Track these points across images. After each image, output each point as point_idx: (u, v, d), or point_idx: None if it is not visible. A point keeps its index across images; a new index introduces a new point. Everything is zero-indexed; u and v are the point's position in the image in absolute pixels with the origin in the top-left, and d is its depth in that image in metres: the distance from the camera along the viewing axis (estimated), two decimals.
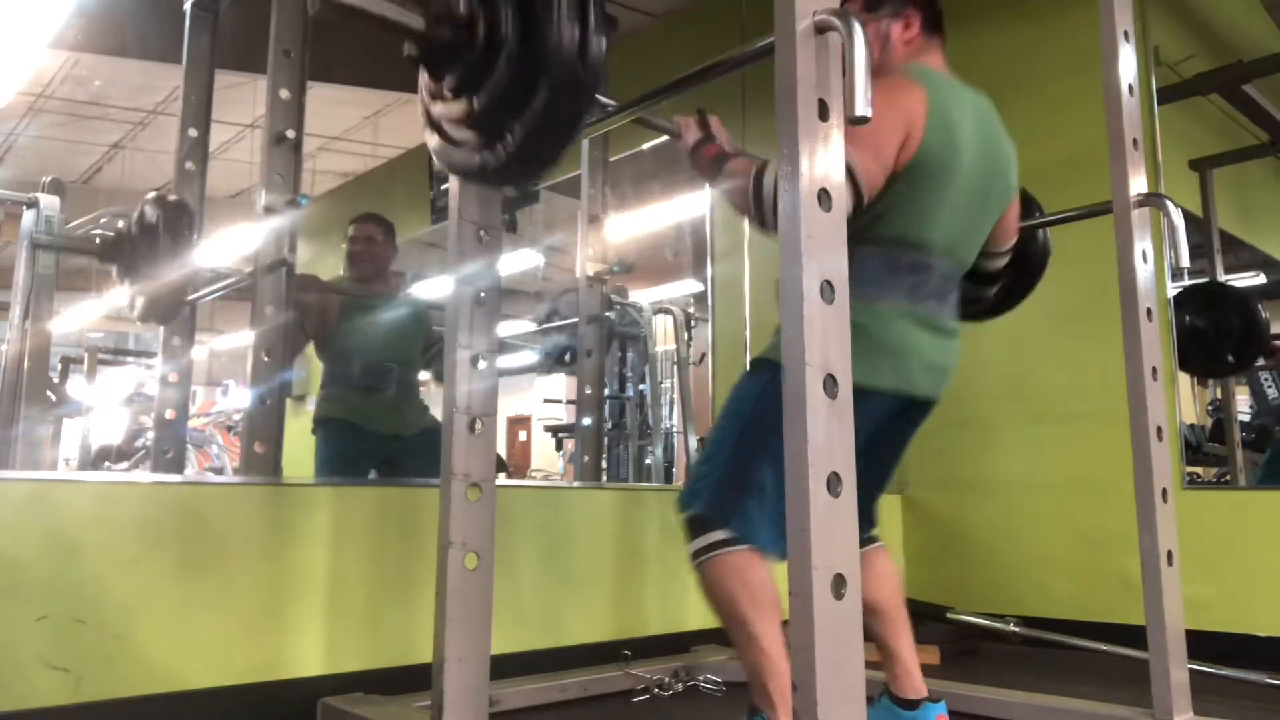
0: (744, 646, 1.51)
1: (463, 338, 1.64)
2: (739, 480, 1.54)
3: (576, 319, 3.47)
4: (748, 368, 1.68)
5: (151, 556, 1.83)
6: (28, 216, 3.13)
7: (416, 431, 3.38)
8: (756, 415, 1.55)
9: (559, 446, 6.59)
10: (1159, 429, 1.81)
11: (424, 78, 1.43)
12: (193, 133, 2.91)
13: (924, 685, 1.74)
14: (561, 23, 1.21)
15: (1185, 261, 1.84)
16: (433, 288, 4.12)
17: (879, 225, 1.57)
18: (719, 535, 1.52)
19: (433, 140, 1.46)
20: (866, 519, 1.82)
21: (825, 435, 1.07)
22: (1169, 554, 1.77)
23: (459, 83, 1.33)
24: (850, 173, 1.43)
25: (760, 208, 1.49)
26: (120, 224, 2.98)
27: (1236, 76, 3.50)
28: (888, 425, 1.66)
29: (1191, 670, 1.81)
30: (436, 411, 3.31)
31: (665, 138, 1.89)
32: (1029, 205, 2.31)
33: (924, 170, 1.56)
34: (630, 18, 4.23)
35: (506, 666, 2.03)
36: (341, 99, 5.87)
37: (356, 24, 1.28)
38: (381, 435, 3.31)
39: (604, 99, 1.68)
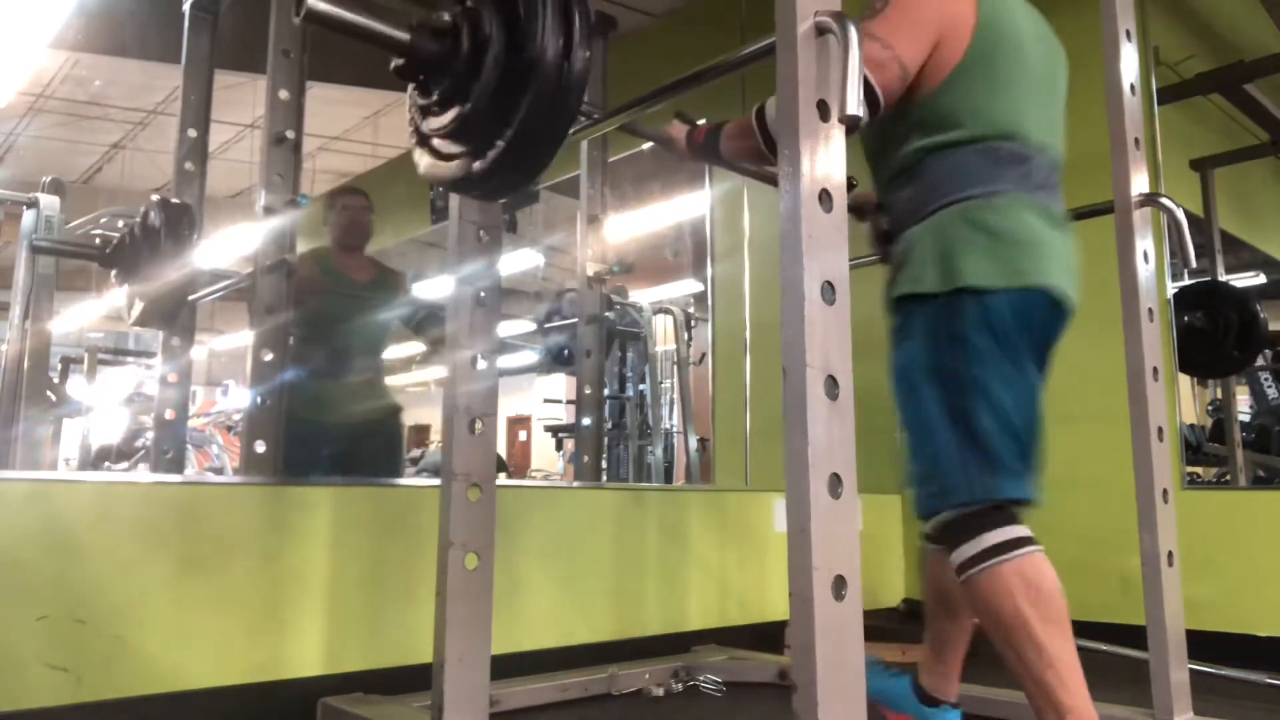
0: (1029, 668, 1.34)
1: (463, 338, 1.64)
2: (969, 446, 1.40)
3: (576, 319, 3.47)
4: (897, 327, 1.52)
5: (151, 556, 1.83)
6: (28, 216, 3.13)
7: (373, 418, 3.39)
8: (942, 366, 1.43)
9: (559, 446, 6.59)
10: (1159, 429, 1.81)
11: (412, 94, 1.42)
12: (192, 133, 2.92)
13: (957, 692, 1.69)
14: (545, 33, 1.21)
15: (1192, 262, 1.84)
16: (433, 288, 4.12)
17: (971, 123, 1.49)
18: (995, 538, 1.37)
19: (423, 159, 1.45)
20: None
21: (826, 436, 1.07)
22: (1169, 554, 1.77)
23: (445, 93, 1.33)
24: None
25: (767, 132, 1.48)
26: (120, 224, 2.99)
27: (1236, 76, 3.50)
28: (1042, 340, 1.53)
29: (1191, 670, 1.81)
30: (431, 410, 3.30)
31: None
32: None
33: (993, 57, 1.49)
34: (630, 18, 4.23)
35: (506, 666, 2.03)
36: (341, 99, 5.88)
37: (344, 36, 1.27)
38: (336, 423, 3.26)
39: (590, 106, 1.69)
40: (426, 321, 3.53)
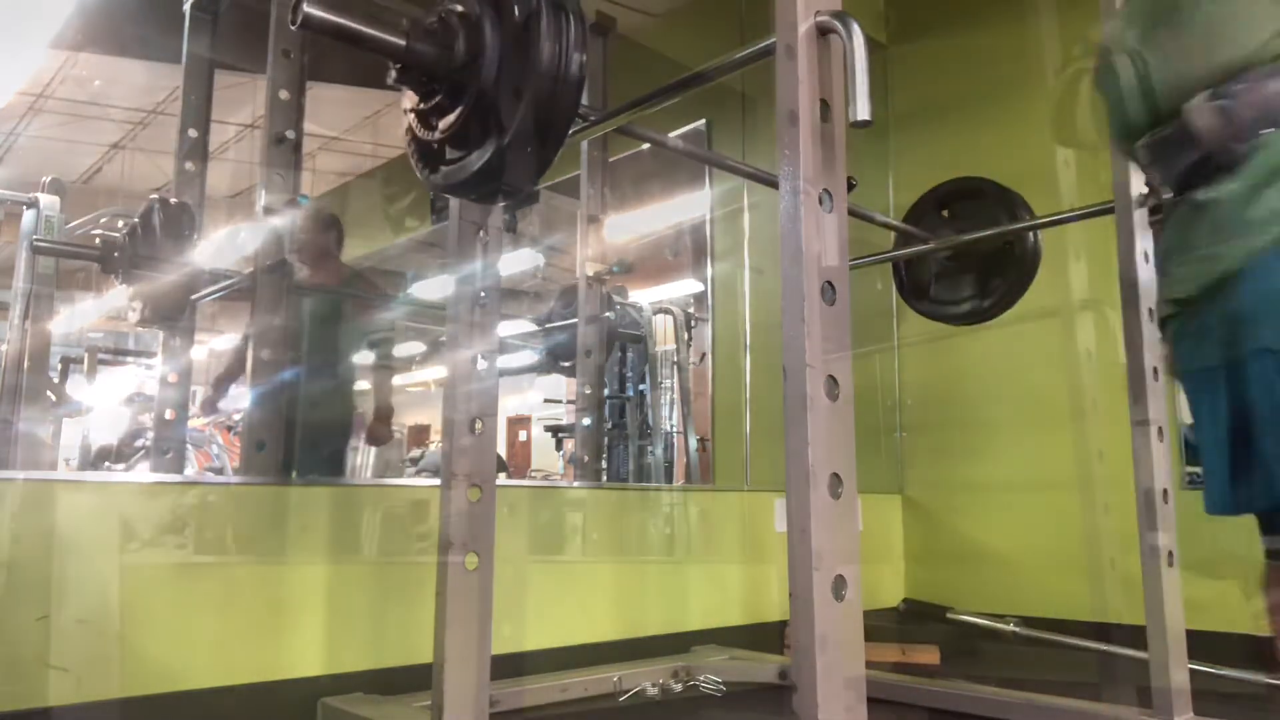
0: None
1: (463, 338, 1.64)
2: None
3: (576, 319, 3.47)
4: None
5: (151, 556, 1.83)
6: (28, 217, 3.13)
7: (333, 425, 3.41)
8: None
9: (559, 446, 6.59)
10: (1159, 429, 1.81)
11: (409, 101, 1.42)
12: (192, 133, 2.92)
13: None
14: (542, 32, 1.21)
15: None
16: (433, 288, 4.11)
17: None
18: None
19: (422, 165, 1.44)
20: None
21: (826, 436, 1.07)
22: (1169, 554, 1.77)
23: (443, 98, 1.33)
24: None
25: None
26: (120, 224, 2.98)
27: None
28: None
29: (1191, 670, 1.81)
30: (431, 411, 3.29)
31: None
32: (1018, 207, 2.31)
33: None
34: (630, 17, 4.22)
35: (506, 666, 2.03)
36: (341, 99, 5.87)
37: (341, 44, 1.27)
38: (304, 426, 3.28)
39: (589, 107, 1.68)
40: (380, 344, 3.61)
